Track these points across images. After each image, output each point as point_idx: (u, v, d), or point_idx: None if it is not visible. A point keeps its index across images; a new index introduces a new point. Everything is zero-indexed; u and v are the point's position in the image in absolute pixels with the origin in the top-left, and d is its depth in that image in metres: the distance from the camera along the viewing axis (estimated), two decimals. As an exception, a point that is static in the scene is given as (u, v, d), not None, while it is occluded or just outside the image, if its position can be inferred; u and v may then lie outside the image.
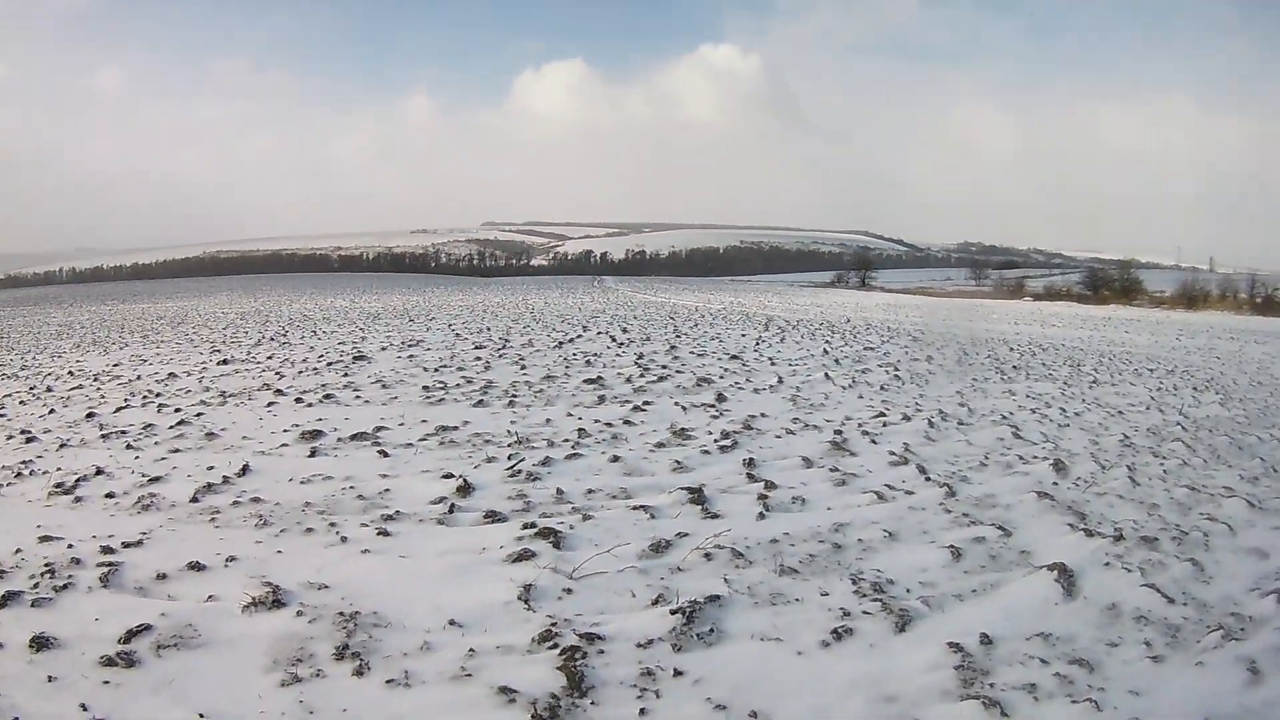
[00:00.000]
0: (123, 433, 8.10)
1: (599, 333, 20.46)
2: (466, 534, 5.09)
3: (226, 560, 4.54)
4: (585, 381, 11.40)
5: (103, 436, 7.95)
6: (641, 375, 12.25)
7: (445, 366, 13.13)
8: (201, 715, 3.14)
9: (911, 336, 21.82)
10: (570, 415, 9.01)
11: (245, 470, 6.50)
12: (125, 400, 10.13)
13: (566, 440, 7.74)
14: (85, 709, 3.14)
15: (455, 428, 8.19)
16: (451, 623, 3.88)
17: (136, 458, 7.07)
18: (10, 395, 10.98)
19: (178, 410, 9.26)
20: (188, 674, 3.41)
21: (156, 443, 7.65)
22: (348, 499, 5.81)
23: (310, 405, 9.60)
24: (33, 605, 3.96)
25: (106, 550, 4.66)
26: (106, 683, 3.32)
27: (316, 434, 7.83)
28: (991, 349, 19.02)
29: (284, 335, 20.23)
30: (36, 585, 4.19)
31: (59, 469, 6.67)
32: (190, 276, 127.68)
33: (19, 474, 6.56)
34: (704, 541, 4.87)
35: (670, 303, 40.91)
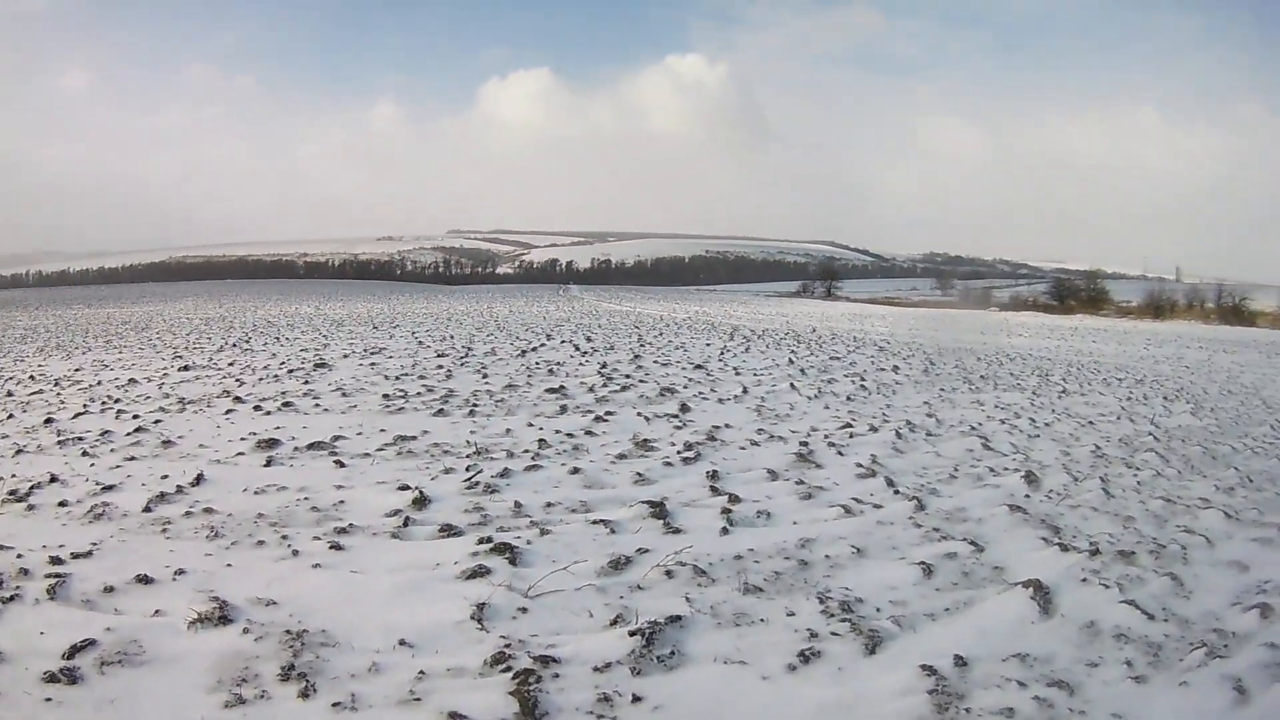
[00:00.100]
0: (80, 439, 7.82)
1: (563, 341, 20.31)
2: (420, 548, 4.91)
3: (175, 573, 4.38)
4: (547, 391, 11.20)
5: (59, 443, 7.68)
6: (605, 385, 12.07)
7: (407, 375, 12.89)
8: (142, 737, 2.96)
9: (878, 346, 21.83)
10: (531, 425, 8.82)
11: (199, 480, 6.28)
12: (84, 406, 9.82)
13: (526, 451, 7.54)
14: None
15: (414, 437, 7.98)
16: (402, 643, 3.70)
17: (92, 465, 6.83)
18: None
19: (136, 417, 9.00)
20: (130, 694, 3.26)
21: (113, 450, 7.40)
22: (301, 510, 5.61)
23: (269, 413, 9.36)
24: (-20, 617, 3.78)
25: (55, 561, 4.49)
26: (49, 700, 3.17)
27: (273, 443, 7.62)
28: (958, 359, 19.06)
29: (247, 342, 19.88)
30: (-15, 596, 4.00)
31: (14, 475, 6.42)
32: (156, 281, 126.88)
33: (-26, 482, 6.28)
34: (665, 558, 4.68)
35: (635, 312, 40.90)
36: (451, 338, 20.98)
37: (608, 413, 9.61)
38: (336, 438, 7.90)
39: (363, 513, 5.57)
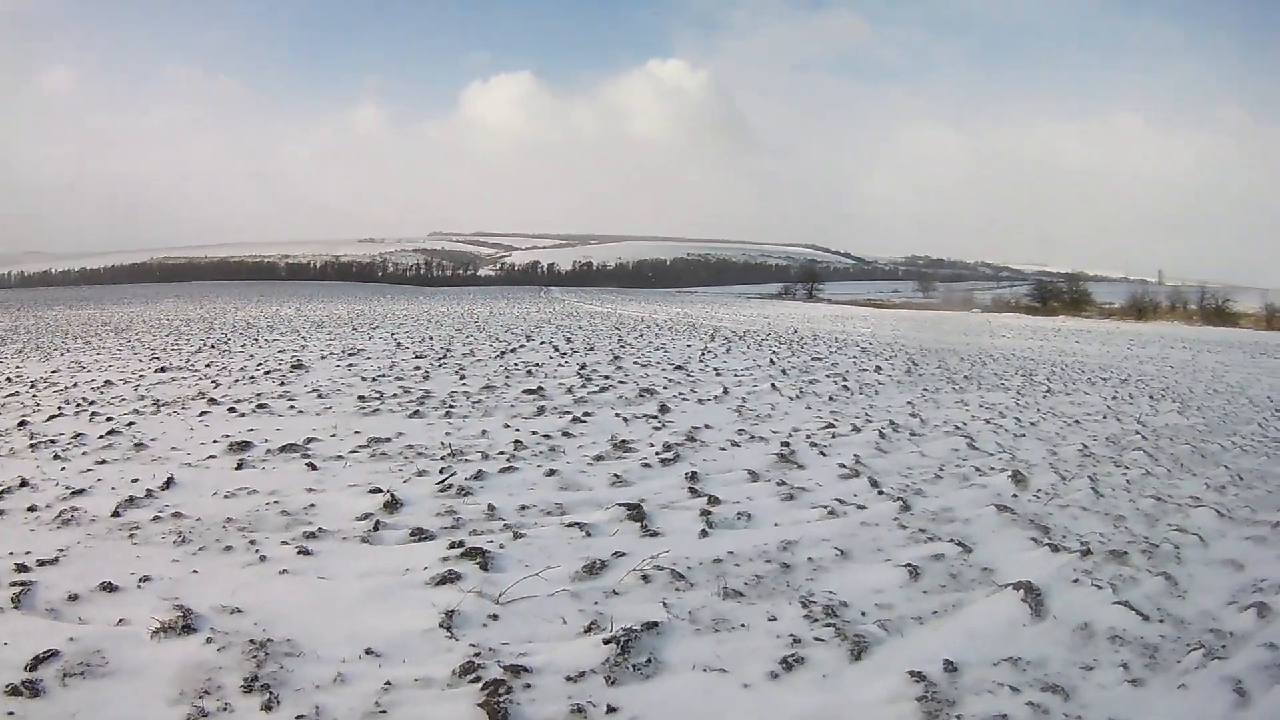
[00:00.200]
0: (52, 442, 7.63)
1: (542, 342, 20.16)
2: (390, 554, 4.76)
3: (140, 580, 4.25)
4: (525, 392, 11.05)
5: (31, 446, 7.48)
6: (583, 386, 11.92)
7: (384, 376, 12.69)
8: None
9: (860, 347, 21.78)
10: (507, 427, 8.66)
11: (170, 483, 6.13)
12: (59, 408, 9.59)
13: (502, 453, 7.38)
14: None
15: (388, 439, 7.81)
16: (368, 652, 3.58)
17: (63, 469, 6.64)
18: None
19: (109, 419, 8.78)
20: (90, 707, 3.17)
21: (85, 453, 7.22)
22: (271, 515, 5.47)
23: (243, 415, 9.17)
24: (-56, 628, 3.66)
25: (22, 568, 4.36)
26: (11, 714, 3.10)
27: (246, 445, 7.45)
28: (941, 359, 19.02)
29: (225, 343, 19.63)
30: (-50, 606, 3.86)
31: (-15, 480, 6.25)
32: (138, 283, 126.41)
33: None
34: (642, 562, 4.54)
35: (616, 313, 40.85)
36: (430, 339, 20.81)
37: (586, 414, 9.46)
38: (310, 440, 7.75)
39: (333, 516, 5.44)
